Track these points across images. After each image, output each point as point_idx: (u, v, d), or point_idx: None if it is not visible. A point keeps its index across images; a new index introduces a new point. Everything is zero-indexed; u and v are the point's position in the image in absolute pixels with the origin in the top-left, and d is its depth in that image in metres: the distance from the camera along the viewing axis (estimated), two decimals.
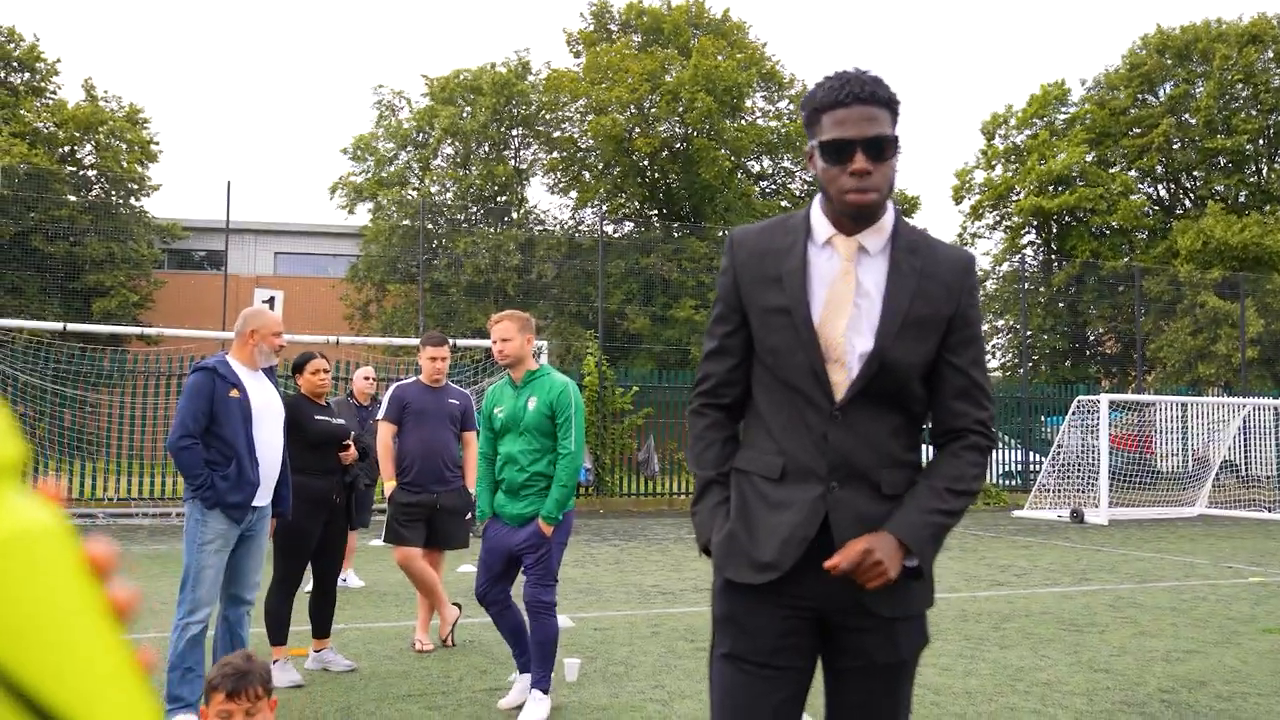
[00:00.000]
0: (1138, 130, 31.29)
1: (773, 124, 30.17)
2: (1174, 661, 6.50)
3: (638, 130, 28.59)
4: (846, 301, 2.12)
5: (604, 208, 28.55)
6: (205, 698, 2.58)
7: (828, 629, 2.19)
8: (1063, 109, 32.37)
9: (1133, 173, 31.72)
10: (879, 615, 2.13)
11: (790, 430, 2.15)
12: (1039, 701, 5.50)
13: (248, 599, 5.06)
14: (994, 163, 32.61)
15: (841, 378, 2.12)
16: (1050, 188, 30.78)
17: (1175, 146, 31.10)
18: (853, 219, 2.12)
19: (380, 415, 6.40)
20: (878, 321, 2.11)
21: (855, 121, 2.06)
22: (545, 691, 5.02)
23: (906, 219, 2.24)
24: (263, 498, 4.98)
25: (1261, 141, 30.55)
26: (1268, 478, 20.12)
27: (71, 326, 15.04)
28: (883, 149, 2.06)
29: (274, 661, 5.66)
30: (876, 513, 2.12)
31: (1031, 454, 22.10)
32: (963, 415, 2.17)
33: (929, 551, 2.08)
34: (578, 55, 30.67)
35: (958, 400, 2.17)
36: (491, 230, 28.03)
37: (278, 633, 5.67)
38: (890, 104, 2.09)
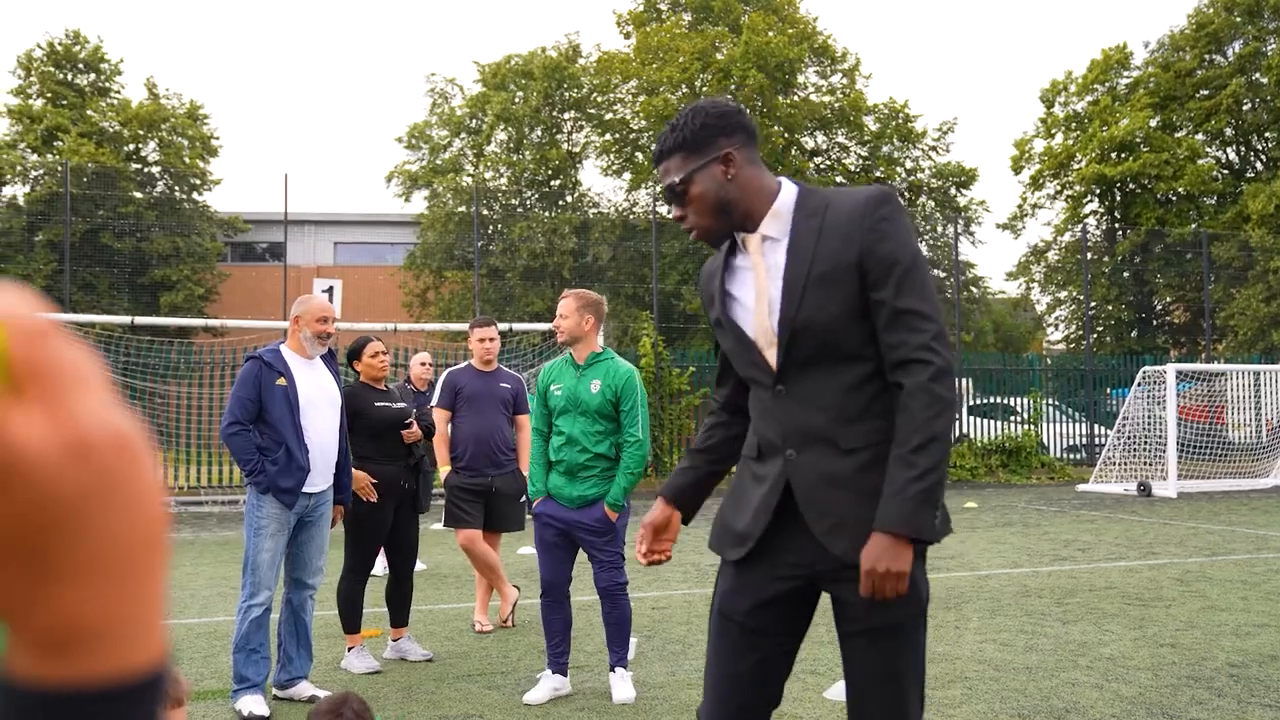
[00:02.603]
0: (1205, 92, 30.38)
1: (826, 99, 29.83)
2: (1243, 636, 6.36)
3: None
4: (764, 289, 2.29)
5: (657, 189, 28.49)
6: None
7: (827, 595, 2.34)
8: (1125, 73, 31.54)
9: (1200, 136, 30.81)
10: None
11: (757, 412, 2.37)
12: (1101, 677, 5.42)
13: (311, 583, 5.17)
14: (1054, 131, 31.88)
15: (773, 354, 2.29)
16: (1113, 154, 30.03)
17: (1245, 108, 30.12)
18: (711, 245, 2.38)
19: (434, 402, 6.47)
20: (782, 293, 2.26)
21: (659, 177, 2.36)
22: (626, 668, 5.11)
23: (821, 187, 2.35)
24: (318, 483, 5.08)
25: None
26: None
27: (140, 320, 15.41)
28: (682, 194, 2.29)
29: (349, 649, 5.75)
30: (840, 468, 2.23)
31: (1097, 427, 21.70)
32: (899, 346, 2.18)
33: (925, 522, 2.11)
34: (628, 36, 30.58)
35: (890, 332, 2.19)
36: (546, 214, 28.12)
37: (351, 620, 5.72)
38: (682, 145, 2.28)
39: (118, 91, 29.43)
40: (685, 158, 2.28)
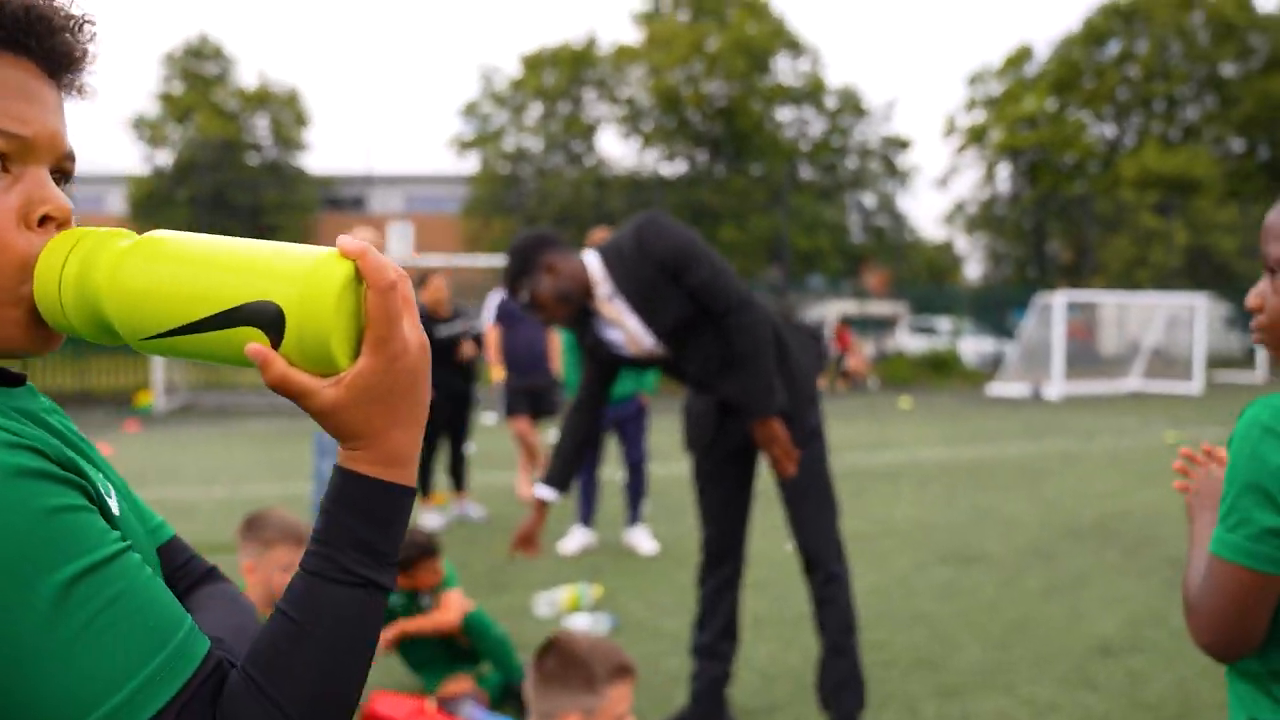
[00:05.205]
0: (1091, 81, 29.93)
1: (794, 83, 29.29)
2: (1107, 499, 6.42)
3: (688, 89, 27.90)
4: (629, 327, 2.50)
5: (661, 153, 28.00)
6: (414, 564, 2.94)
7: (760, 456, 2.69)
8: (1031, 65, 31.05)
9: (1086, 116, 30.40)
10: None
11: (680, 371, 2.63)
12: (1003, 530, 5.49)
13: None
14: (974, 109, 31.49)
15: (662, 350, 2.55)
16: (1020, 129, 29.68)
17: (1121, 96, 29.80)
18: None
19: (489, 319, 6.41)
20: (640, 325, 2.49)
21: (518, 300, 2.51)
22: (644, 524, 5.23)
23: (609, 238, 2.50)
24: None
25: (1190, 87, 29.20)
26: (1186, 360, 19.50)
27: None
28: (535, 304, 2.44)
29: (424, 511, 5.79)
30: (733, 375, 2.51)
31: (1001, 341, 21.69)
32: (711, 308, 2.44)
33: (770, 403, 2.43)
34: (640, 28, 29.86)
35: (703, 301, 2.44)
36: (572, 173, 27.72)
37: (425, 486, 5.77)
38: (518, 275, 2.43)
39: (234, 79, 28.89)
40: (525, 280, 2.44)
